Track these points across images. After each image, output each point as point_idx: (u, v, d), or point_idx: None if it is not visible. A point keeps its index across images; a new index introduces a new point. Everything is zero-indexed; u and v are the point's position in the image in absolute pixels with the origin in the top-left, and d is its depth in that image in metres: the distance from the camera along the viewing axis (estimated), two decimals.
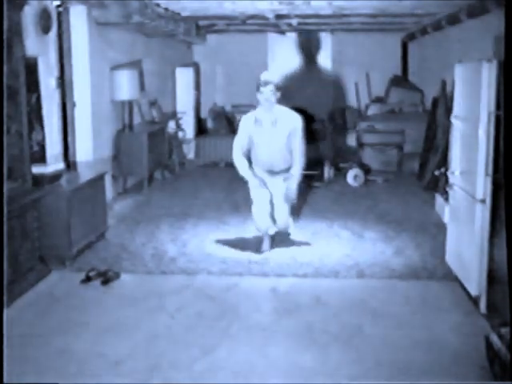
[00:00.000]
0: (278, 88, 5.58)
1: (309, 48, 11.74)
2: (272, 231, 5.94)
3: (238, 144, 5.72)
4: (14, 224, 4.55)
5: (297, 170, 5.68)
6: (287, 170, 5.71)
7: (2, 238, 3.99)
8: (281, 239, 6.01)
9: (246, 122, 5.72)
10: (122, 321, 4.28)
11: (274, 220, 5.86)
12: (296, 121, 5.64)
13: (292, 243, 6.05)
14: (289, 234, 6.13)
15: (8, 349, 3.24)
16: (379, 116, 10.61)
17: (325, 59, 11.74)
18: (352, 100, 11.45)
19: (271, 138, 5.62)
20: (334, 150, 9.16)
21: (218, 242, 6.11)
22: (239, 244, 6.01)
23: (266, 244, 5.87)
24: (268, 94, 5.54)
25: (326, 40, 11.75)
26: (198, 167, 10.48)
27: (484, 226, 4.29)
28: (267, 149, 5.66)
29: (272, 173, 5.75)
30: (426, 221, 6.88)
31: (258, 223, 5.87)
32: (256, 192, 5.77)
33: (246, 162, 5.70)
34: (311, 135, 8.84)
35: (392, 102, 10.99)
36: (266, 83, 5.56)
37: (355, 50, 11.42)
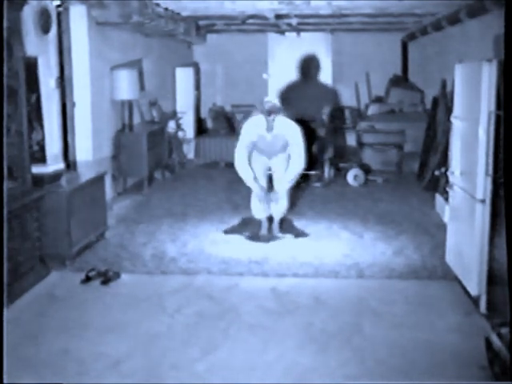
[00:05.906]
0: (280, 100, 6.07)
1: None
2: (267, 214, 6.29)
3: (241, 149, 5.92)
4: (14, 224, 4.54)
5: (291, 174, 5.96)
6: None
7: (2, 238, 3.98)
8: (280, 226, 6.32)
9: (248, 128, 5.95)
10: (122, 321, 4.28)
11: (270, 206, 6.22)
12: (295, 130, 5.88)
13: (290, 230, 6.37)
14: (282, 221, 6.39)
15: (8, 349, 3.23)
16: (379, 116, 10.59)
17: (325, 59, 11.72)
18: (352, 100, 11.43)
19: (271, 144, 5.93)
20: (333, 150, 9.15)
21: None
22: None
23: (263, 229, 6.25)
24: (271, 106, 5.84)
25: (326, 40, 11.73)
26: (198, 167, 10.48)
27: (484, 225, 4.28)
28: (267, 154, 6.03)
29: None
30: (426, 221, 6.88)
31: (255, 215, 6.26)
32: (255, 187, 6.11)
33: (250, 171, 5.98)
34: (311, 135, 8.86)
35: (392, 101, 10.97)
36: (270, 100, 6.00)
37: (355, 50, 11.41)
